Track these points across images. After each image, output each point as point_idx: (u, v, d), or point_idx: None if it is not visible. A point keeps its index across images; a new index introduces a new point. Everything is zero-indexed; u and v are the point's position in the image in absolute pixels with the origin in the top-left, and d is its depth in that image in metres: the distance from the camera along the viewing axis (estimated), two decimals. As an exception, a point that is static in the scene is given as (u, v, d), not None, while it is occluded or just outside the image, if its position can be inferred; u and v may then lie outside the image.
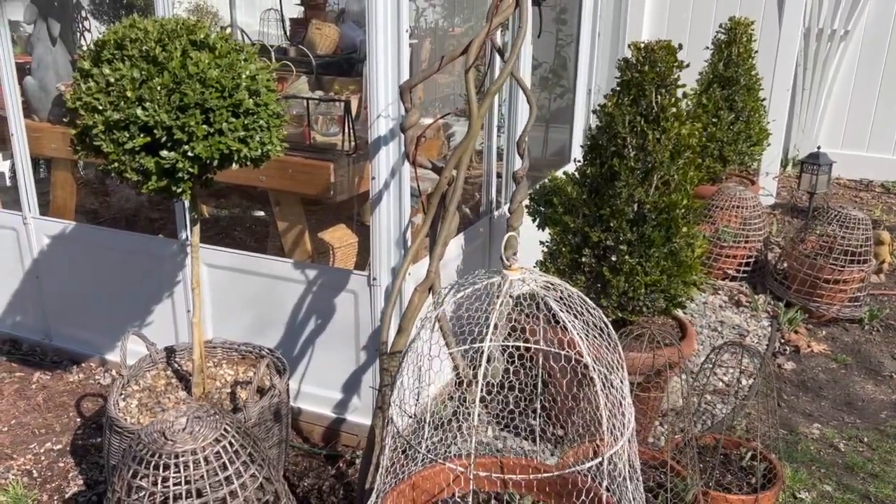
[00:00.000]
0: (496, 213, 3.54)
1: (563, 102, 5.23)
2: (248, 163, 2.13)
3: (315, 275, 2.83)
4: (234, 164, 2.09)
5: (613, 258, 2.63)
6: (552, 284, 1.62)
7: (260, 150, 2.12)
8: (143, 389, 2.60)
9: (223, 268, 2.98)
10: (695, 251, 2.75)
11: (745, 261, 4.53)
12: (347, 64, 4.20)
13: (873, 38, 6.44)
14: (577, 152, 4.77)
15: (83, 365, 3.44)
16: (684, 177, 2.63)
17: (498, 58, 2.58)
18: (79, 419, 3.08)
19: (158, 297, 3.16)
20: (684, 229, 2.64)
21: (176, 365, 2.73)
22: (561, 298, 1.63)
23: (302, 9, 4.62)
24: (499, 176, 3.59)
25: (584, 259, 2.70)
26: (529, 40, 3.55)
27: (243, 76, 2.04)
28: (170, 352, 2.74)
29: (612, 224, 2.63)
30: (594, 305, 1.65)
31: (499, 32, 2.51)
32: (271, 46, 4.29)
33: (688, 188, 2.66)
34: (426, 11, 5.32)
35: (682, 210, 2.63)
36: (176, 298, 3.14)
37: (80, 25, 4.31)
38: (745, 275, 4.54)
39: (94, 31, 4.33)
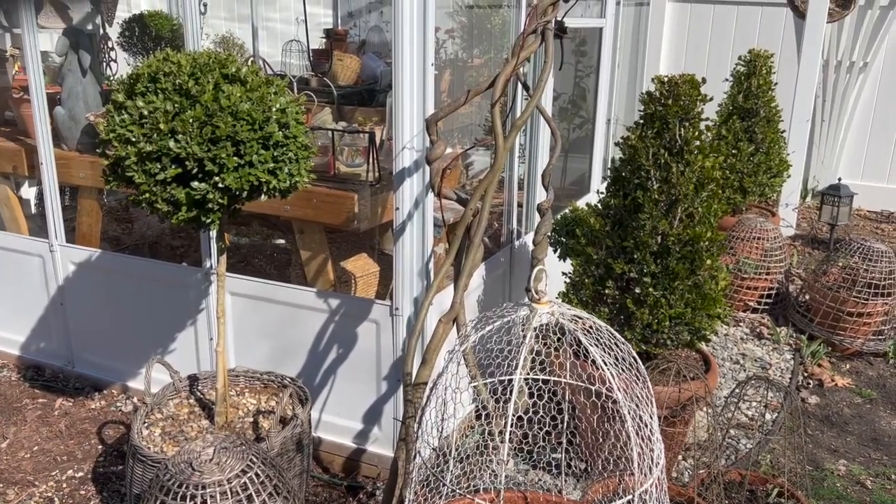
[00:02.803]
0: (517, 243, 3.54)
1: (583, 132, 5.26)
2: (277, 194, 2.16)
3: (337, 304, 2.84)
4: (262, 196, 2.12)
5: (637, 290, 2.63)
6: (580, 318, 1.61)
7: (288, 182, 2.14)
8: (167, 418, 2.60)
9: (245, 296, 2.99)
10: (719, 284, 2.74)
11: (766, 292, 4.49)
12: (368, 94, 4.25)
13: (892, 69, 6.44)
14: (596, 182, 4.78)
15: (105, 392, 3.45)
16: (708, 209, 2.63)
17: (521, 90, 2.60)
18: (100, 446, 3.09)
19: (181, 325, 3.18)
20: (708, 262, 2.63)
21: (199, 393, 2.73)
22: (589, 332, 1.63)
23: (324, 40, 4.70)
24: (519, 206, 3.61)
25: (607, 291, 2.70)
26: (552, 72, 3.58)
27: (273, 109, 2.07)
28: (193, 380, 2.74)
29: (635, 256, 2.63)
30: (622, 339, 1.65)
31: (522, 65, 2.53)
32: (293, 77, 4.36)
33: (712, 221, 2.65)
34: (446, 43, 5.39)
35: (707, 243, 2.62)
36: (199, 326, 3.15)
37: (108, 56, 4.40)
38: (766, 307, 4.50)
39: (121, 61, 4.42)
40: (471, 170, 4.75)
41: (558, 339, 1.77)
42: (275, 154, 2.08)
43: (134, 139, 2.00)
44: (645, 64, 6.87)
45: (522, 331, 1.59)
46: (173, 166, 2.01)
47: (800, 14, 5.63)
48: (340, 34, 4.74)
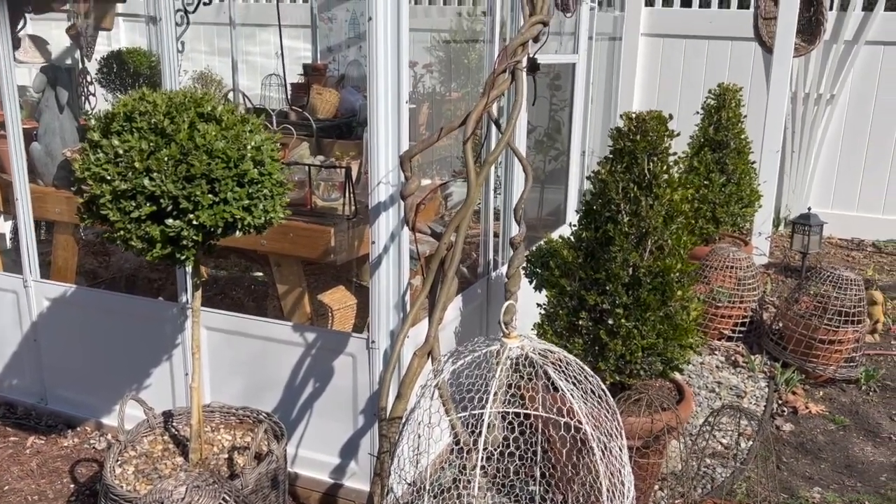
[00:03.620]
0: (493, 275, 3.58)
1: (558, 164, 5.34)
2: (252, 230, 2.18)
3: (314, 338, 2.84)
4: (237, 232, 2.14)
5: (610, 321, 2.66)
6: (551, 352, 1.64)
7: (263, 218, 2.16)
8: (140, 455, 2.58)
9: (221, 330, 2.99)
10: (690, 314, 2.78)
11: (740, 321, 4.55)
12: (347, 127, 4.30)
13: (858, 101, 6.63)
14: (571, 212, 4.84)
15: (78, 429, 3.41)
16: (678, 241, 2.68)
17: (494, 127, 2.65)
18: (73, 485, 3.04)
19: (156, 360, 3.16)
20: (679, 293, 2.68)
21: (173, 430, 2.72)
22: (559, 366, 1.65)
23: (303, 74, 4.76)
24: (495, 236, 3.65)
25: (581, 322, 2.73)
26: (525, 107, 3.65)
27: (249, 147, 2.10)
28: (167, 416, 2.73)
29: (608, 288, 2.67)
30: (592, 372, 1.68)
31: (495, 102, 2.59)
32: (273, 110, 4.40)
33: (682, 252, 2.71)
34: (424, 77, 5.47)
35: (677, 274, 2.67)
36: (174, 361, 3.14)
37: (86, 90, 4.42)
38: (740, 335, 4.56)
39: (99, 96, 4.44)
40: (450, 200, 4.80)
41: (531, 372, 1.80)
42: (250, 191, 2.11)
43: (109, 177, 2.02)
44: (619, 96, 7.01)
45: (494, 365, 1.61)
46: (148, 204, 2.03)
47: (767, 49, 5.79)
48: (319, 68, 4.80)
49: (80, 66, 4.51)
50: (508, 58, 2.29)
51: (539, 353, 1.60)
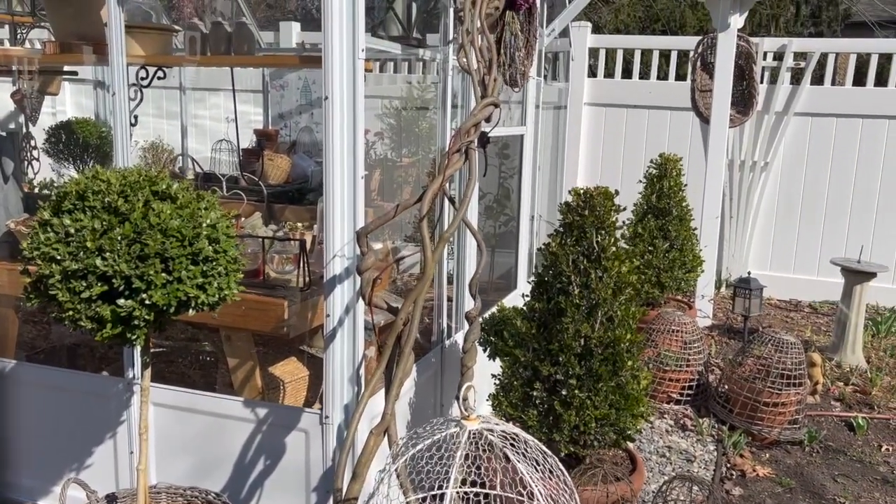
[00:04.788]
0: (447, 343, 3.59)
1: (508, 229, 5.44)
2: (206, 308, 2.16)
3: (265, 413, 2.79)
4: (190, 311, 2.11)
5: (564, 392, 2.69)
6: (511, 435, 1.66)
7: (217, 296, 2.15)
8: (81, 542, 2.47)
9: (169, 406, 2.91)
10: (640, 383, 2.84)
11: (687, 384, 4.65)
12: (299, 193, 4.32)
13: (790, 168, 6.97)
14: (523, 276, 4.92)
15: (13, 512, 3.24)
16: (627, 312, 2.75)
17: (448, 202, 2.71)
18: (5, 574, 2.87)
19: (100, 439, 3.05)
20: (629, 363, 2.74)
21: (117, 513, 2.61)
22: (516, 446, 1.67)
23: (255, 139, 4.78)
24: (449, 300, 3.67)
25: (535, 393, 2.76)
26: (476, 179, 3.74)
27: (204, 225, 2.10)
28: (111, 500, 2.62)
29: (560, 358, 2.71)
30: (550, 452, 1.69)
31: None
32: (222, 175, 4.39)
33: (631, 323, 2.78)
34: (375, 144, 5.56)
35: (627, 344, 2.73)
36: (119, 439, 3.03)
37: (29, 155, 4.34)
38: (688, 398, 4.64)
39: (44, 164, 4.36)
40: (402, 264, 4.82)
41: (489, 455, 1.80)
42: (204, 269, 2.09)
43: (59, 257, 1.98)
44: (565, 162, 7.22)
45: (452, 448, 1.62)
46: (99, 284, 2.00)
47: (704, 119, 6.07)
48: (271, 134, 4.83)
49: (25, 130, 4.44)
50: (462, 138, 2.36)
51: (499, 435, 1.61)
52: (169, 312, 2.10)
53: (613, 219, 2.76)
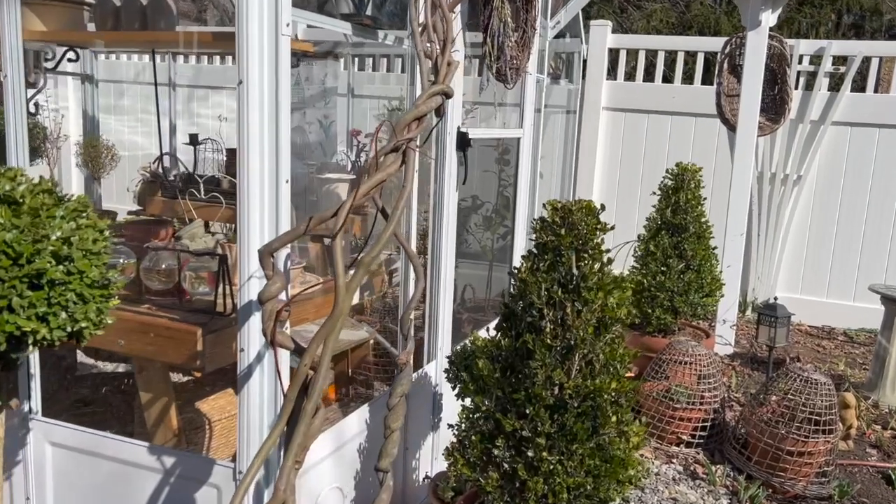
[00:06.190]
0: (414, 376, 3.09)
1: (507, 242, 4.95)
2: (55, 343, 1.69)
3: (172, 462, 2.33)
4: (30, 347, 1.65)
5: (530, 454, 2.18)
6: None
7: (70, 328, 1.68)
8: None
9: (69, 448, 2.47)
10: (630, 441, 2.31)
11: (700, 424, 4.08)
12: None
13: (826, 182, 6.35)
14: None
15: None
16: (612, 355, 2.23)
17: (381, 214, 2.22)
18: None
19: (-8, 481, 2.61)
20: (614, 418, 2.21)
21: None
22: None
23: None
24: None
25: (497, 451, 2.25)
26: (455, 186, 3.25)
27: (51, 238, 1.63)
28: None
29: (528, 411, 2.20)
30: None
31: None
32: (200, 176, 3.95)
33: (618, 368, 2.25)
34: (368, 147, 5.10)
35: (611, 395, 2.21)
36: (15, 481, 2.59)
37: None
38: (701, 440, 4.08)
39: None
40: (396, 277, 4.36)
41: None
42: (49, 295, 1.63)
43: None
44: (578, 172, 6.69)
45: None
46: None
47: (730, 127, 5.51)
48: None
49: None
50: (400, 134, 1.87)
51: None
52: None
53: (598, 239, 2.24)
